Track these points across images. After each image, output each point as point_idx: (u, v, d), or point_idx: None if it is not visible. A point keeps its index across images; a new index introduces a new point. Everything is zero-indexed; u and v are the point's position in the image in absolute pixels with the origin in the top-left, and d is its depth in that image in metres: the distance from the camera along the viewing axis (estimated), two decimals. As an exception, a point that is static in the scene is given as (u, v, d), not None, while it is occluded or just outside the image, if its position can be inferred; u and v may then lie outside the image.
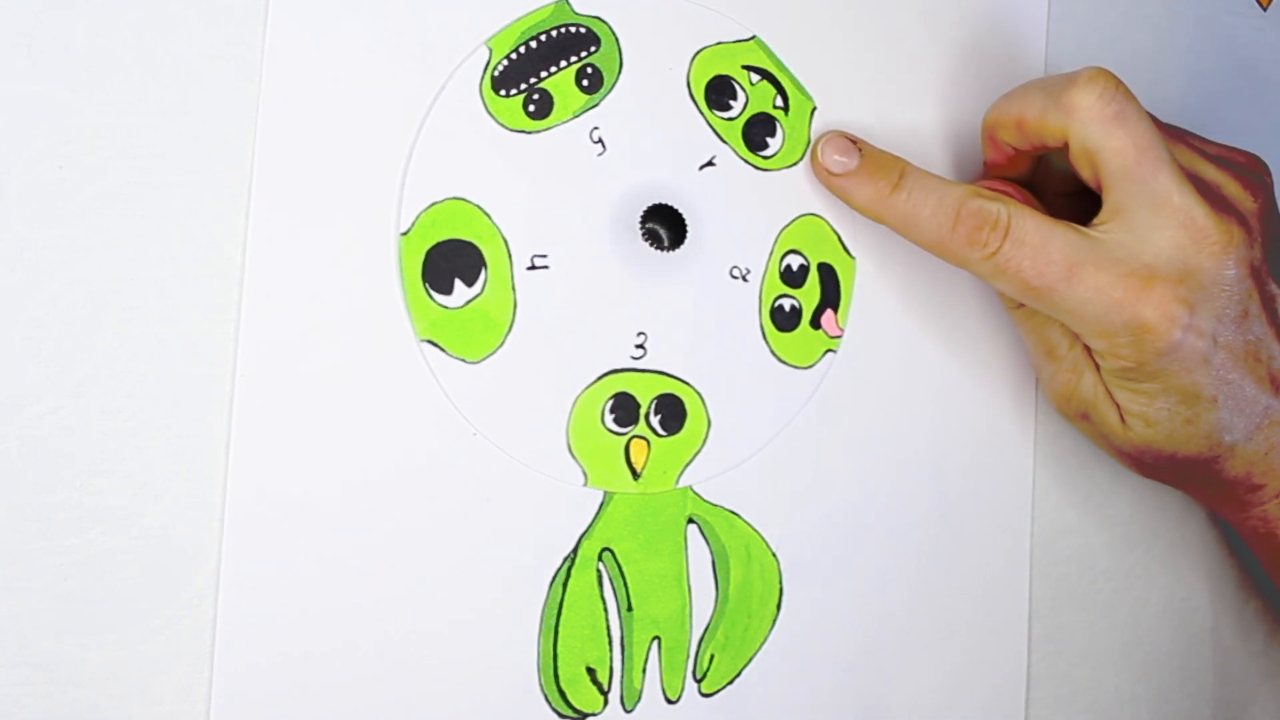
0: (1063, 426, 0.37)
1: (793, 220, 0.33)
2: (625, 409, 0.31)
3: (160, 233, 0.27)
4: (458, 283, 0.29)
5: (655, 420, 0.31)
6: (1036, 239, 0.29)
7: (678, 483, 0.32)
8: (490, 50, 0.30)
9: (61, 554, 0.26)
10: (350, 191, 0.29)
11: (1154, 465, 0.32)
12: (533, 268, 0.30)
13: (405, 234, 0.29)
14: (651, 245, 0.31)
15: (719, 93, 0.33)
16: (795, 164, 0.33)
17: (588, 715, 0.30)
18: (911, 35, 0.35)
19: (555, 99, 0.31)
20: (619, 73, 0.31)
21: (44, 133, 0.26)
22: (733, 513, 0.32)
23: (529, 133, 0.30)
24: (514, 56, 0.30)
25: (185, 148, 0.27)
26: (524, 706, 0.30)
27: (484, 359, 0.30)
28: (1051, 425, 0.37)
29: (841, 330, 0.33)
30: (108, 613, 0.26)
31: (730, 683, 0.32)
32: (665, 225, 0.32)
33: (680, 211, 0.32)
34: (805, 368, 0.33)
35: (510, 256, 0.30)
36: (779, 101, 0.33)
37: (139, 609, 0.27)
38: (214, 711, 0.27)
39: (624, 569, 0.31)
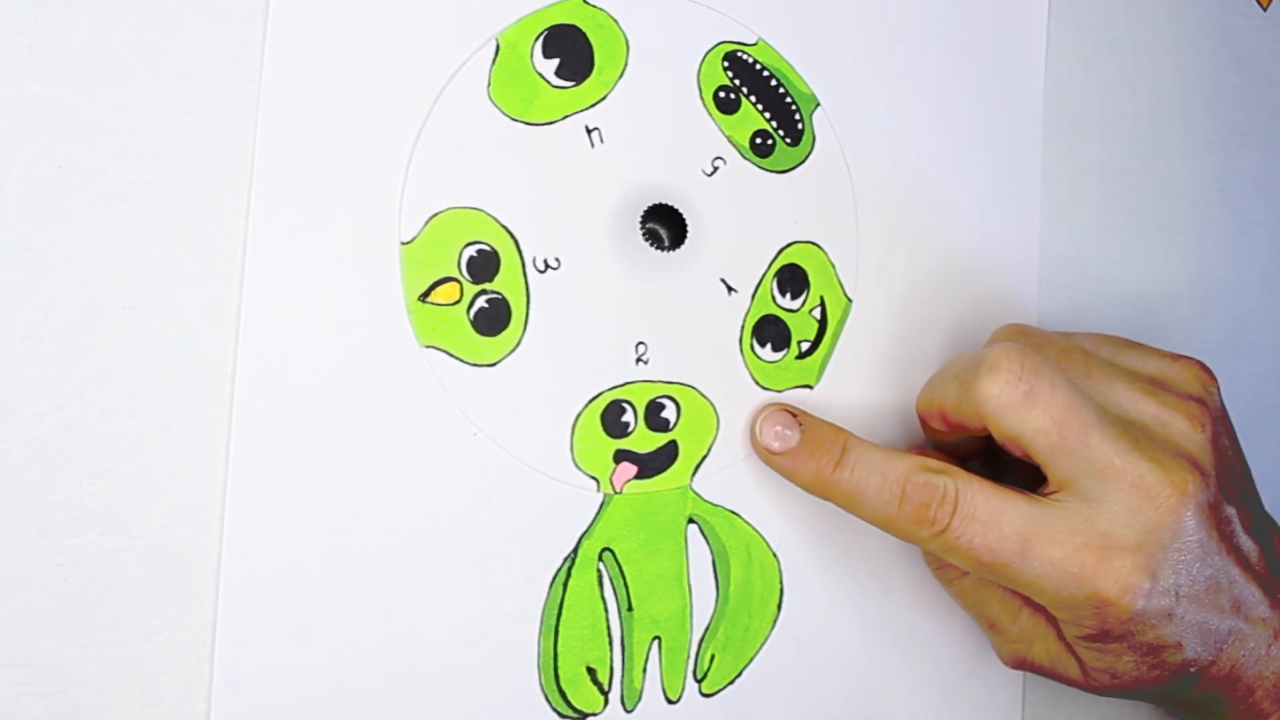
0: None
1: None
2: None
3: (160, 233, 0.27)
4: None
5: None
6: (986, 513, 0.28)
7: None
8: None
9: (61, 554, 0.26)
10: (350, 190, 0.29)
11: (1115, 695, 0.31)
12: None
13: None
14: (651, 245, 0.31)
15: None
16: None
17: (588, 715, 0.30)
18: (912, 33, 0.35)
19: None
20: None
21: (44, 133, 0.26)
22: (733, 513, 0.32)
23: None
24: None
25: (185, 148, 0.27)
26: (524, 706, 0.30)
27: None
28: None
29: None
30: (108, 613, 0.26)
31: (731, 683, 0.32)
32: (665, 225, 0.32)
33: (680, 211, 0.32)
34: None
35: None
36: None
37: (139, 609, 0.27)
38: (214, 712, 0.27)
39: (624, 569, 0.31)
